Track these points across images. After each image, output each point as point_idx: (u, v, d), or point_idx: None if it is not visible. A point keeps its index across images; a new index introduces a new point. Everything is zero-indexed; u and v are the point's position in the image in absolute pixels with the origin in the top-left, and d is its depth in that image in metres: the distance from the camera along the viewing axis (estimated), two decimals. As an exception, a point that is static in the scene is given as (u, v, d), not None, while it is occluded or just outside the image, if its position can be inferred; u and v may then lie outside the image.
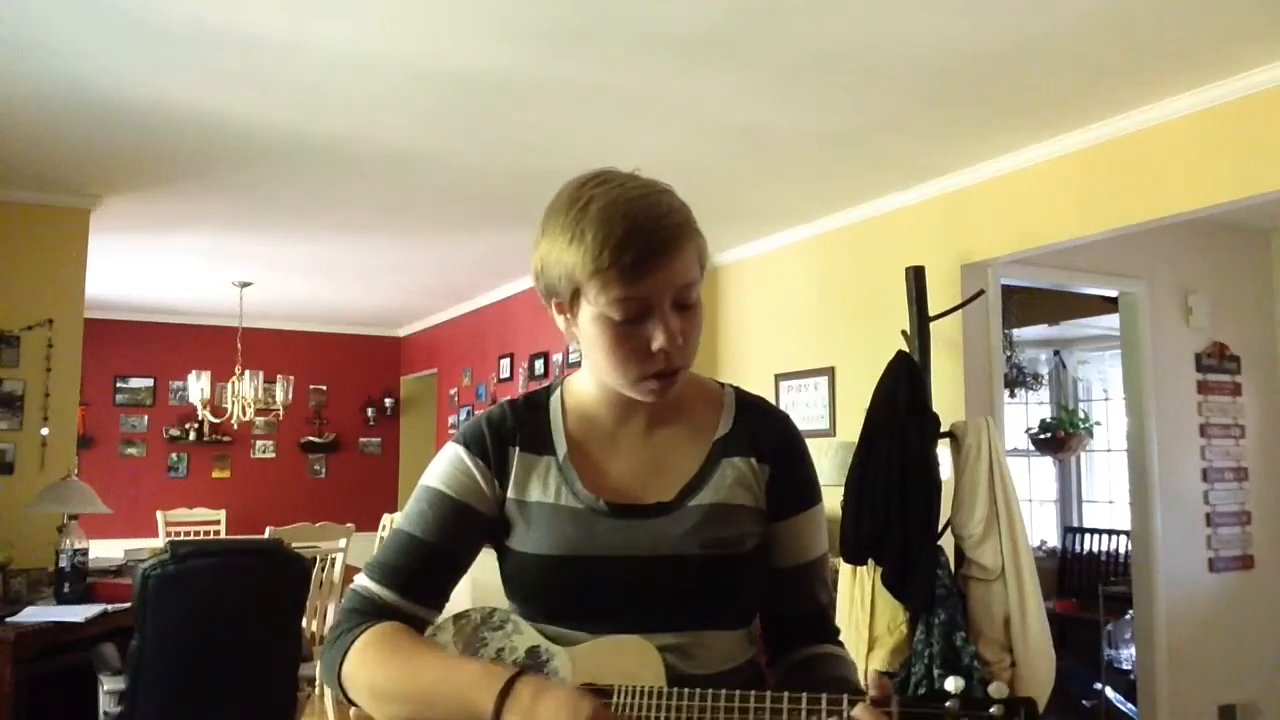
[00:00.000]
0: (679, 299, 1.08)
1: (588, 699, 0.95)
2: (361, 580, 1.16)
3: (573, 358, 5.76)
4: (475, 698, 0.99)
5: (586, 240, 1.04)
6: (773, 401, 1.33)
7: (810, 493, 1.23)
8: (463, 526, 1.16)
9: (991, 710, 0.90)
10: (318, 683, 4.95)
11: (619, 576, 1.10)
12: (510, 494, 1.17)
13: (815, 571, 1.24)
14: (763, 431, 1.21)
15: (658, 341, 1.07)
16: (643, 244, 1.03)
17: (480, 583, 1.23)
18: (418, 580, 1.14)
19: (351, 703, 1.10)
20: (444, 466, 1.19)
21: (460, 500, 1.16)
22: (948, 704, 0.93)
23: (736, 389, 1.26)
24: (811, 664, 1.20)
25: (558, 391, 1.24)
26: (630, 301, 1.05)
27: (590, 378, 1.19)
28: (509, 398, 1.27)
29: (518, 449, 1.18)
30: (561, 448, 1.18)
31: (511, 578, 1.18)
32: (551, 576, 1.13)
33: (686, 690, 1.00)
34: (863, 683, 1.11)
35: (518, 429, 1.19)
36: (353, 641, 1.09)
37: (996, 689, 0.91)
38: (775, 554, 1.20)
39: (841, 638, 1.28)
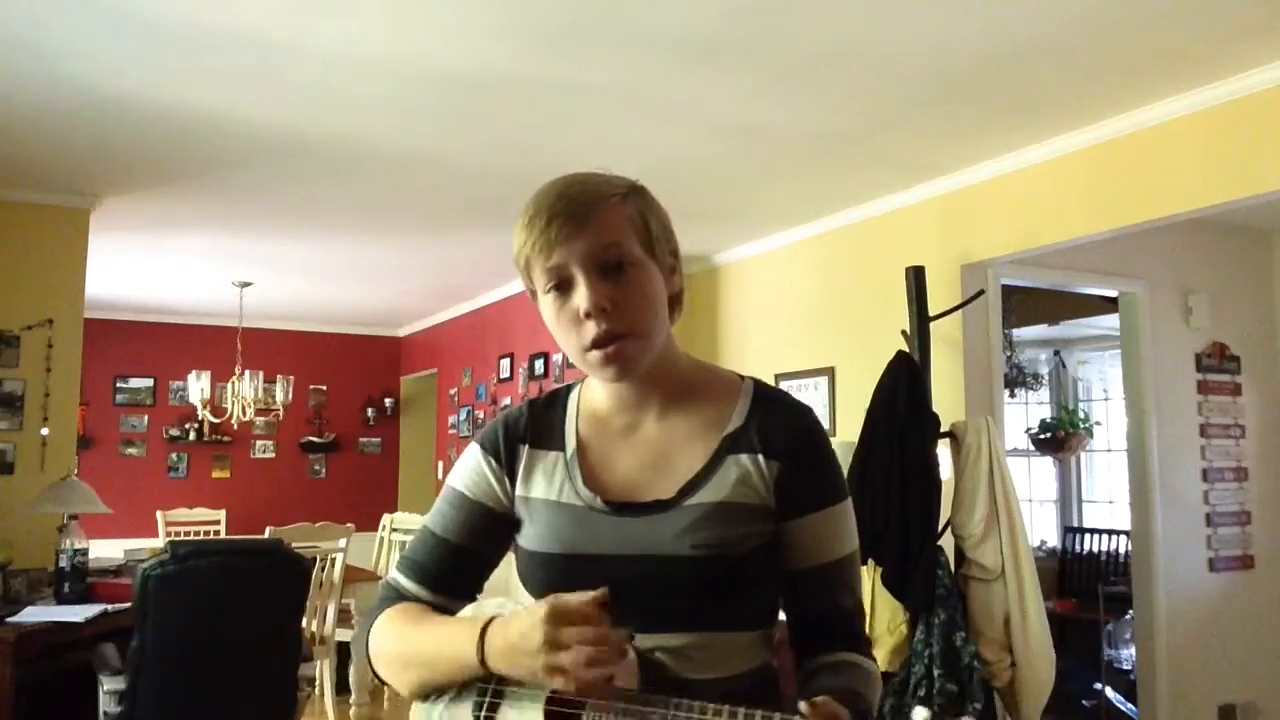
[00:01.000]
0: (602, 261, 1.08)
1: (544, 604, 0.99)
2: (393, 573, 1.24)
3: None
4: (462, 653, 1.07)
5: (519, 226, 1.11)
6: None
7: (827, 491, 1.16)
8: (482, 525, 1.20)
9: None
10: (318, 682, 4.95)
11: (616, 575, 1.08)
12: (518, 491, 1.20)
13: (835, 573, 1.16)
14: (775, 426, 1.16)
15: (581, 307, 1.08)
16: (548, 213, 1.08)
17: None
18: (443, 576, 1.21)
19: (384, 682, 1.19)
20: (463, 467, 1.24)
21: (477, 500, 1.21)
22: None
23: (757, 382, 1.22)
24: (819, 673, 1.14)
25: (576, 389, 1.25)
26: (553, 270, 1.09)
27: (596, 380, 1.20)
28: (532, 397, 1.29)
29: (527, 446, 1.21)
30: (570, 445, 1.20)
31: (521, 574, 1.19)
32: (551, 574, 1.13)
33: (647, 697, 1.01)
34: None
35: (530, 427, 1.22)
36: (374, 623, 1.19)
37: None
38: (790, 554, 1.14)
39: None
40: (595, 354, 1.09)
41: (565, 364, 5.87)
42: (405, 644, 1.14)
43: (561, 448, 1.20)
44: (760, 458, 1.14)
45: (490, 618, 1.07)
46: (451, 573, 1.20)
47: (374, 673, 1.19)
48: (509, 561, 1.24)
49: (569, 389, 1.26)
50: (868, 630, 3.27)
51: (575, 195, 1.09)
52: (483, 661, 1.05)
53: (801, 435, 1.17)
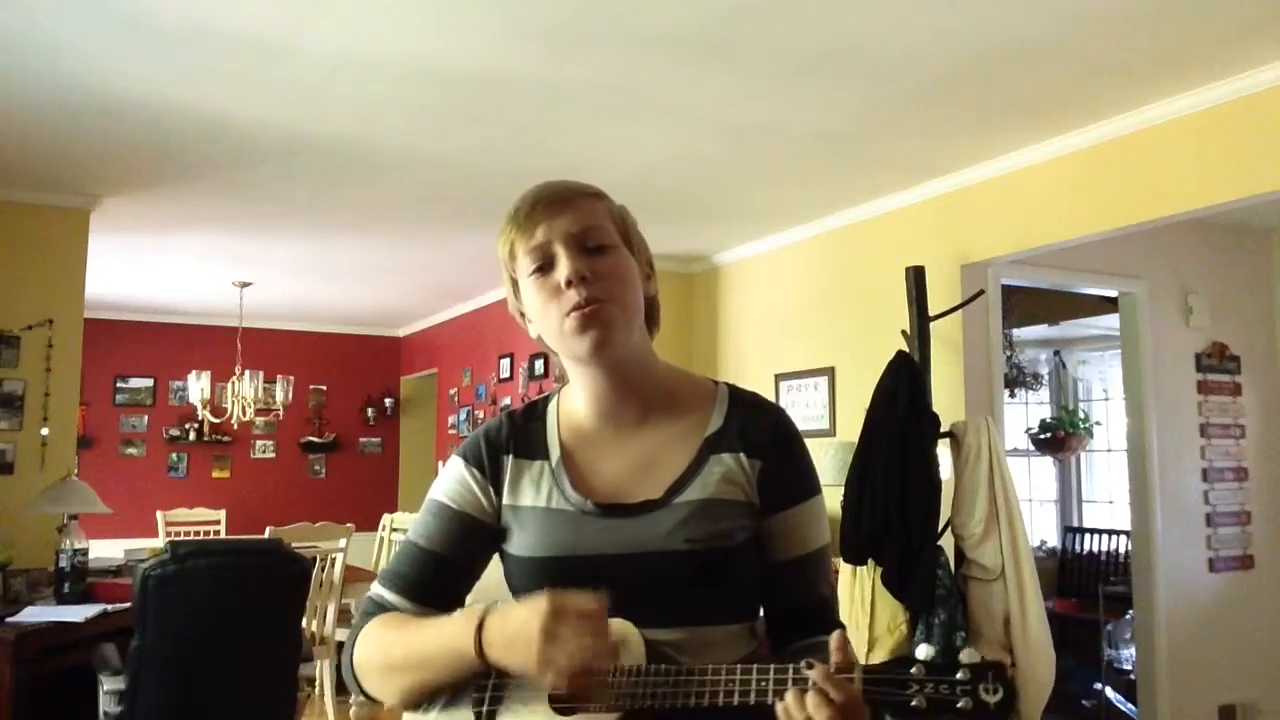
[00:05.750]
0: (583, 241, 1.14)
1: (546, 597, 1.00)
2: (376, 587, 1.23)
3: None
4: (459, 646, 1.06)
5: (504, 223, 1.19)
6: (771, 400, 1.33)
7: (804, 486, 1.22)
8: (465, 536, 1.22)
9: (959, 675, 0.92)
10: (318, 683, 4.95)
11: (608, 575, 1.10)
12: (505, 500, 1.22)
13: (813, 565, 1.22)
14: (752, 426, 1.21)
15: (563, 276, 1.13)
16: (532, 200, 1.16)
17: (480, 582, 1.25)
18: (426, 587, 1.20)
19: (370, 699, 1.17)
20: (446, 479, 1.26)
21: (460, 511, 1.22)
22: (913, 669, 0.94)
23: (731, 386, 1.27)
24: (803, 654, 1.17)
25: (555, 399, 1.28)
26: (535, 250, 1.15)
27: (577, 383, 1.23)
28: (510, 409, 1.32)
29: (511, 456, 1.23)
30: (555, 452, 1.22)
31: (511, 582, 1.21)
32: (543, 578, 1.14)
33: (662, 666, 1.04)
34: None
35: (512, 437, 1.25)
36: (357, 637, 1.18)
37: (968, 654, 0.93)
38: (771, 548, 1.19)
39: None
40: (573, 318, 1.13)
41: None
42: (395, 648, 1.13)
43: (546, 456, 1.22)
44: (743, 456, 1.19)
45: (486, 609, 1.07)
46: (435, 584, 1.20)
47: (359, 689, 1.17)
48: (500, 564, 1.24)
49: (546, 400, 1.29)
50: (868, 630, 3.29)
51: (557, 186, 1.18)
52: (480, 653, 1.04)
53: (781, 434, 1.22)
